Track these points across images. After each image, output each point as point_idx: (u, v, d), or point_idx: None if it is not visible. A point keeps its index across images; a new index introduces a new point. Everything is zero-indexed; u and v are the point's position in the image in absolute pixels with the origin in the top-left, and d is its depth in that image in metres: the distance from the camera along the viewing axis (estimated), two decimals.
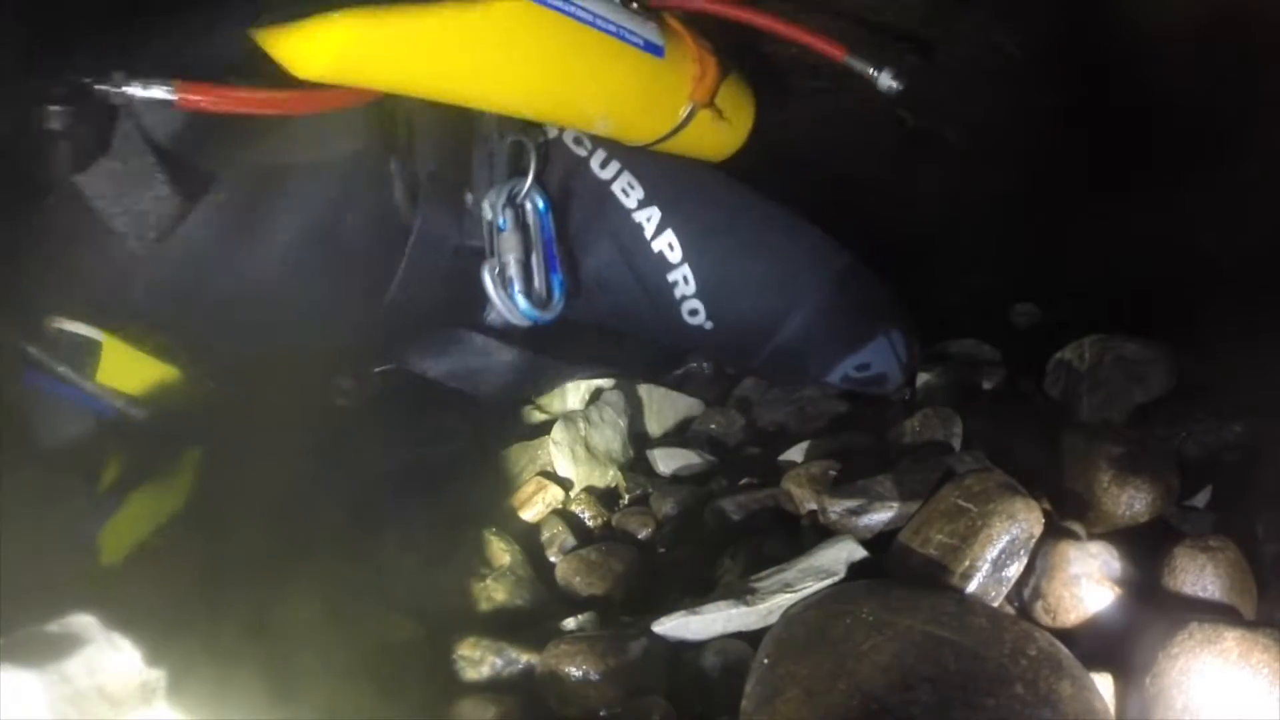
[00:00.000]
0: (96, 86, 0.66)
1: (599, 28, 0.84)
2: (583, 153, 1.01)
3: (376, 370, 1.00)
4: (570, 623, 0.77)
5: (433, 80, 0.77)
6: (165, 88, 0.68)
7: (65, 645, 0.74)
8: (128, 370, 0.83)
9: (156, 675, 0.73)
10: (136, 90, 0.67)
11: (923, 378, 1.04)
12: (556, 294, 0.93)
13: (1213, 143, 1.01)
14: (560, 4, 0.80)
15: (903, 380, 1.06)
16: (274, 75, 0.71)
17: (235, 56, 0.72)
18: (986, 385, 1.04)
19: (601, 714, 0.69)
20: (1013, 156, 1.27)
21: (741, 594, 0.71)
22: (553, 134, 1.01)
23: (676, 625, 0.71)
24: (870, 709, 0.59)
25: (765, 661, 0.65)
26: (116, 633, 0.74)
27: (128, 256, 0.75)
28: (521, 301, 0.90)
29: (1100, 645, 0.65)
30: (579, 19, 0.82)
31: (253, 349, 0.88)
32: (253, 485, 0.91)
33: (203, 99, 0.69)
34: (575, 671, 0.70)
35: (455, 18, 0.73)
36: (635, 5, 0.91)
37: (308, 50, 0.69)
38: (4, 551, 0.76)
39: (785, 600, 0.69)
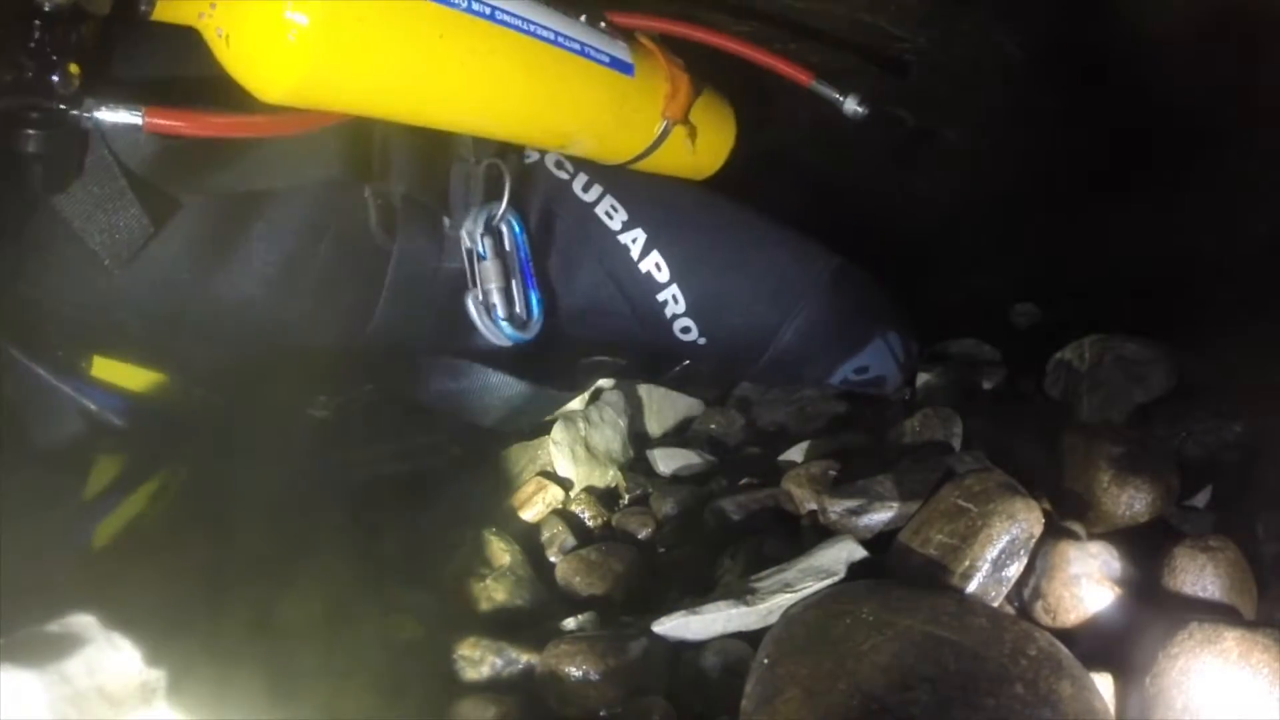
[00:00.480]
0: (70, 111, 0.68)
1: (561, 45, 0.84)
2: (564, 176, 1.01)
3: (359, 391, 1.00)
4: (570, 623, 0.77)
5: (395, 103, 0.78)
6: (133, 112, 0.69)
7: (65, 645, 0.74)
8: (119, 371, 0.84)
9: (156, 675, 0.73)
10: (105, 115, 0.68)
11: (922, 378, 1.04)
12: (535, 311, 0.94)
13: (1213, 143, 1.01)
14: (519, 23, 0.79)
15: (902, 381, 1.06)
16: (243, 99, 0.72)
17: (205, 81, 0.72)
18: (986, 385, 1.04)
19: (601, 714, 0.69)
20: (1013, 156, 1.27)
21: (741, 594, 0.71)
22: (534, 157, 1.01)
23: (676, 625, 0.71)
24: (870, 709, 0.59)
25: (765, 661, 0.65)
26: (116, 633, 0.74)
27: (108, 278, 0.77)
28: (506, 327, 0.92)
29: (1100, 645, 0.65)
30: (539, 37, 0.81)
31: (234, 369, 0.89)
32: (249, 486, 0.91)
33: (170, 123, 0.70)
34: (575, 671, 0.70)
35: (413, 41, 0.73)
36: (603, 24, 0.91)
37: (270, 74, 0.69)
38: (2, 552, 0.76)
39: (785, 600, 0.69)
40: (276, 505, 0.91)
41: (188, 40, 0.71)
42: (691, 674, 0.70)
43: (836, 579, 0.71)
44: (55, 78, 0.67)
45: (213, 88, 0.72)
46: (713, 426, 1.05)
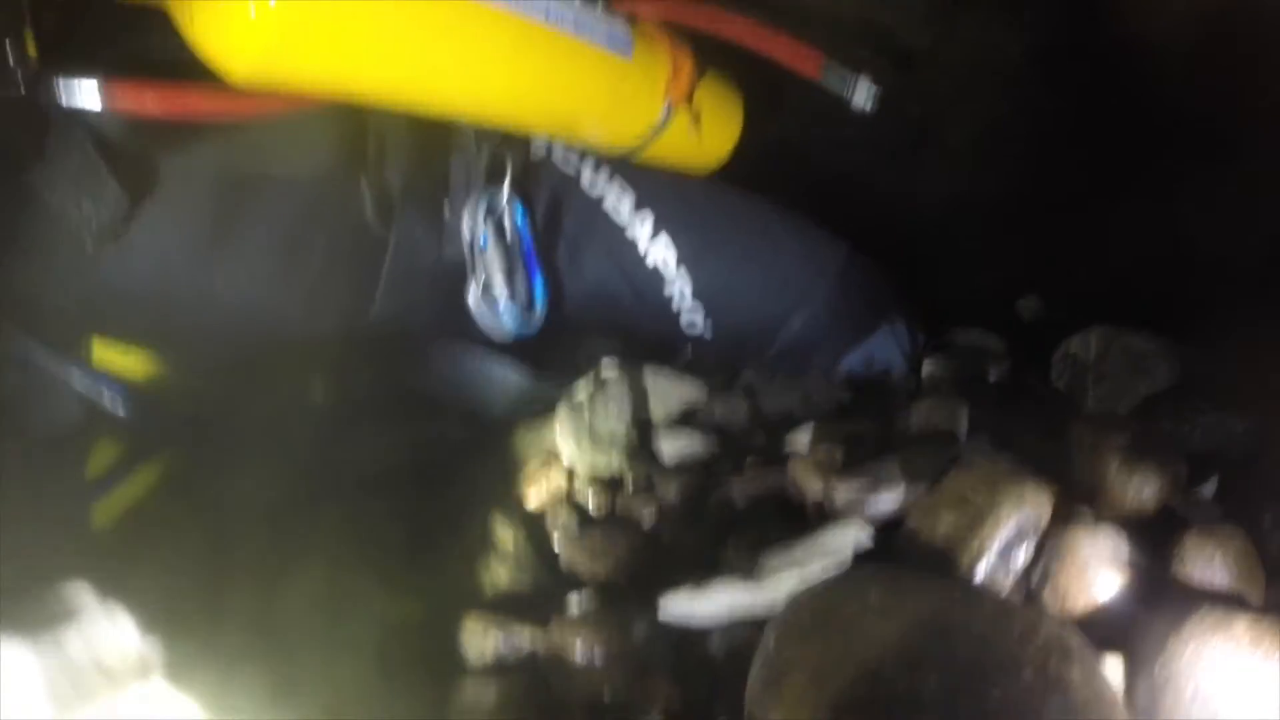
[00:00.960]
0: (29, 91, 0.66)
1: (550, 23, 0.80)
2: (571, 169, 1.00)
3: (360, 377, 0.99)
4: (574, 604, 0.77)
5: (369, 84, 0.75)
6: (94, 91, 0.67)
7: (61, 618, 0.74)
8: (118, 358, 0.84)
9: (154, 649, 0.73)
10: (65, 94, 0.67)
11: (927, 368, 1.04)
12: (538, 302, 0.93)
13: (1216, 137, 1.01)
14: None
15: (907, 370, 1.06)
16: (215, 80, 0.69)
17: (176, 60, 0.70)
18: (992, 376, 1.04)
19: (605, 696, 0.69)
20: (1015, 153, 1.27)
21: (748, 576, 0.71)
22: (540, 148, 0.99)
23: (682, 606, 0.70)
24: (878, 693, 0.59)
25: (771, 644, 0.64)
26: (114, 606, 0.74)
27: (99, 267, 0.76)
28: (507, 319, 0.91)
29: (1109, 631, 0.64)
30: (525, 13, 0.78)
31: (232, 356, 0.88)
32: (249, 471, 0.91)
33: (133, 103, 0.68)
34: (579, 652, 0.70)
35: (385, 18, 0.70)
36: (600, 3, 0.88)
37: (233, 52, 0.66)
38: (2, 532, 0.76)
39: (792, 583, 0.69)
40: (277, 490, 0.90)
41: (157, 18, 0.69)
42: (697, 656, 0.69)
43: (844, 562, 0.70)
44: (11, 57, 0.65)
45: (183, 67, 0.69)
46: (717, 413, 1.04)
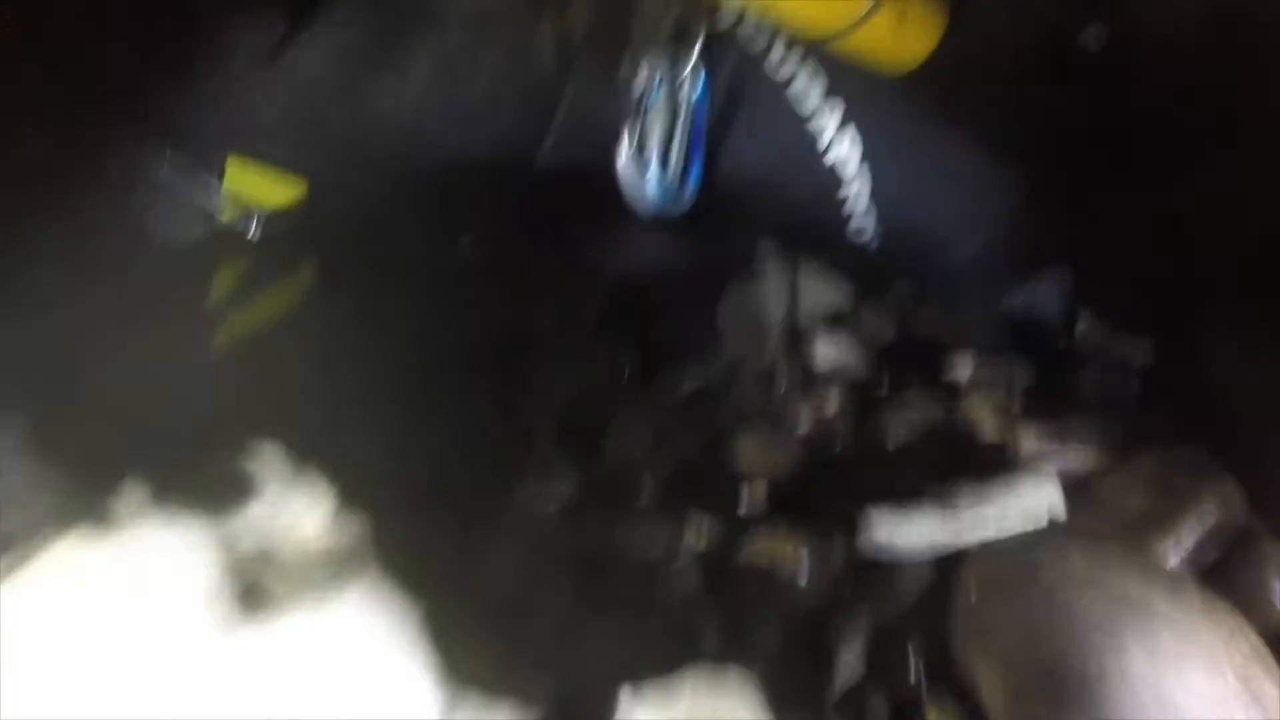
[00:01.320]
0: None
1: None
2: (765, 43, 0.92)
3: (512, 236, 0.94)
4: (746, 511, 0.76)
5: None
6: None
7: (246, 486, 0.70)
8: (252, 180, 0.81)
9: (344, 523, 0.70)
10: None
11: (1085, 326, 1.01)
12: (690, 182, 0.88)
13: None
14: None
15: (1071, 321, 1.04)
16: None
17: None
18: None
19: (795, 608, 0.70)
20: None
21: (944, 511, 0.71)
22: (733, 18, 0.92)
23: (884, 531, 0.71)
24: (1086, 667, 0.60)
25: (973, 597, 0.66)
26: (303, 474, 0.70)
27: (247, 87, 0.75)
28: (654, 187, 0.86)
29: None
30: None
31: (380, 191, 0.86)
32: (382, 315, 0.87)
33: None
34: (767, 566, 0.71)
35: None
36: None
37: None
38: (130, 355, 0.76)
39: (991, 533, 0.69)
40: (414, 334, 0.87)
41: None
42: (884, 584, 0.70)
43: (1040, 522, 0.71)
44: None
45: None
46: (869, 322, 1.01)
